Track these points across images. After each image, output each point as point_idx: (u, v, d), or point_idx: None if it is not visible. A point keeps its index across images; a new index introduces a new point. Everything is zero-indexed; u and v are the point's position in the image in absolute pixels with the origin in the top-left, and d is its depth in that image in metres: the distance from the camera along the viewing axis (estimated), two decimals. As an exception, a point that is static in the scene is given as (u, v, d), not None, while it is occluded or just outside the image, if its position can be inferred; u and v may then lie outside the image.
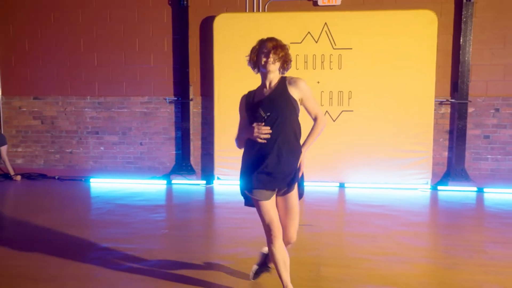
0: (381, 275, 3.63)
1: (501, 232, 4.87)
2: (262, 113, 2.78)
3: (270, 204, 2.86)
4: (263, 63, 2.80)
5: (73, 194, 6.64)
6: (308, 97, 2.83)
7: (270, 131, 2.74)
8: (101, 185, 7.26)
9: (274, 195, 2.89)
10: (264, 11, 7.22)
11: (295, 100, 2.80)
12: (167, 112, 7.56)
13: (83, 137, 7.78)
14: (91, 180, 7.37)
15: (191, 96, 7.43)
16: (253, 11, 7.24)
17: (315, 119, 2.91)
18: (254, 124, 2.78)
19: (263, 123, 2.76)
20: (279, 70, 2.86)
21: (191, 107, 7.45)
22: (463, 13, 6.76)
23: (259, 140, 2.75)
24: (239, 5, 7.28)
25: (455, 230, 4.99)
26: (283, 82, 2.83)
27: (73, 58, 7.64)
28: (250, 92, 2.99)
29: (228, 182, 7.16)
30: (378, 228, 4.99)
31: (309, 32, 6.95)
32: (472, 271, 3.72)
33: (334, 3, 7.04)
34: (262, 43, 2.87)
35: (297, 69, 6.97)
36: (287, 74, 2.96)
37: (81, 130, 7.78)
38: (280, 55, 2.78)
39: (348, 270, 3.77)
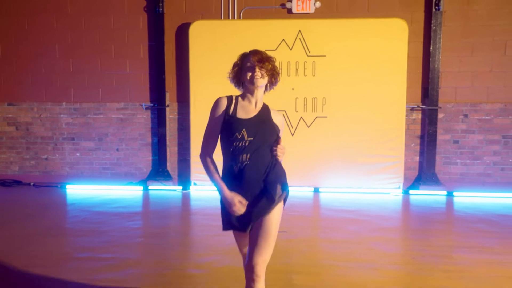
0: (350, 282, 3.75)
1: (468, 236, 5.06)
2: (245, 135, 2.50)
3: (244, 239, 2.77)
4: (249, 78, 2.51)
5: (48, 202, 6.61)
6: (282, 128, 2.70)
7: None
8: (77, 191, 7.25)
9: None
10: (240, 18, 7.31)
11: (276, 132, 2.62)
12: (144, 118, 7.59)
13: (59, 143, 7.75)
14: (67, 186, 7.35)
15: (167, 102, 7.47)
16: (228, 18, 7.32)
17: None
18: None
19: (239, 146, 2.50)
20: (267, 85, 2.60)
21: (167, 113, 7.49)
22: (432, 21, 6.97)
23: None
24: (214, 12, 7.35)
25: (424, 235, 5.17)
26: (267, 108, 2.63)
27: (48, 64, 7.60)
28: (229, 99, 2.61)
29: (204, 188, 7.23)
30: (351, 233, 5.13)
31: (283, 40, 7.06)
32: (438, 276, 3.88)
33: (308, 11, 7.17)
34: (245, 56, 2.57)
35: (272, 76, 7.06)
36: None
37: (56, 136, 7.74)
38: (268, 68, 2.51)
39: (319, 277, 3.89)
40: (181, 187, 7.31)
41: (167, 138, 7.53)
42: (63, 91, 7.63)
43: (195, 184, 7.28)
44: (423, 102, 7.22)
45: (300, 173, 7.17)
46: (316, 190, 7.18)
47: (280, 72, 7.08)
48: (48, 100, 7.68)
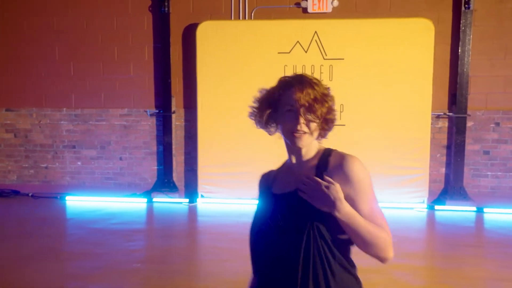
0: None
1: (503, 266, 4.47)
2: (271, 221, 1.56)
3: None
4: (287, 131, 1.56)
5: (44, 216, 6.18)
6: (361, 194, 1.51)
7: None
8: (77, 203, 6.82)
9: None
10: (251, 18, 6.79)
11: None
12: (148, 125, 7.12)
13: (59, 151, 7.33)
14: (67, 198, 6.91)
15: (173, 109, 6.99)
16: (239, 18, 6.81)
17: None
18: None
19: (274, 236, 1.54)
20: (318, 136, 1.62)
21: (173, 120, 7.01)
22: (461, 21, 6.36)
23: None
24: (224, 12, 6.84)
25: (454, 263, 4.59)
26: (324, 163, 1.57)
27: (48, 68, 7.18)
28: (266, 174, 1.82)
29: (212, 201, 6.73)
30: (370, 259, 4.57)
31: (298, 42, 6.53)
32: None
33: (324, 10, 6.62)
34: (284, 87, 1.59)
35: (286, 80, 6.54)
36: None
37: (57, 144, 7.32)
38: (320, 113, 1.54)
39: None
40: (187, 200, 6.83)
41: (173, 146, 7.05)
42: (63, 96, 7.20)
43: (202, 196, 6.79)
44: (450, 109, 6.62)
45: (315, 186, 6.62)
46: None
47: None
48: (48, 106, 7.26)
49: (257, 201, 1.73)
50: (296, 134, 1.54)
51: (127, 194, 7.03)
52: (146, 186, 7.16)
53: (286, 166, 1.72)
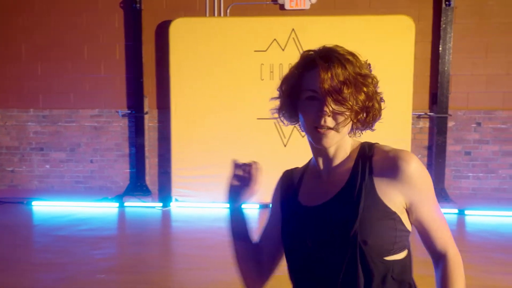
0: None
1: (488, 271, 4.29)
2: (308, 242, 1.22)
3: None
4: (308, 126, 1.21)
5: (9, 223, 5.86)
6: (425, 200, 1.21)
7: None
8: (44, 208, 6.49)
9: None
10: (226, 15, 6.55)
11: (394, 212, 1.18)
12: (120, 126, 6.83)
13: (26, 154, 6.98)
14: (34, 203, 6.58)
15: (146, 109, 6.71)
16: (214, 15, 6.56)
17: (439, 256, 1.29)
18: None
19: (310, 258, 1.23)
20: (352, 129, 1.27)
21: (146, 121, 6.73)
22: (442, 19, 6.20)
23: None
24: (198, 9, 6.59)
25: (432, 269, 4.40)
26: (364, 166, 1.23)
27: (14, 67, 6.83)
28: (289, 173, 1.46)
29: (186, 204, 6.47)
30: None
31: (275, 39, 6.30)
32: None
33: (302, 7, 6.41)
34: (305, 66, 1.22)
35: (262, 79, 6.33)
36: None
37: (23, 146, 6.98)
38: (351, 102, 1.17)
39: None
40: (161, 204, 6.55)
41: (146, 148, 6.77)
42: (30, 97, 6.86)
43: (176, 200, 6.52)
44: (431, 109, 6.46)
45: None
46: (312, 208, 6.41)
47: (271, 75, 6.38)
48: (14, 107, 6.91)
49: (271, 205, 1.45)
50: (320, 130, 1.16)
51: (97, 198, 6.72)
52: (118, 190, 6.87)
53: (314, 168, 1.34)
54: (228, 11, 6.55)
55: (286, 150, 6.38)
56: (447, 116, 6.33)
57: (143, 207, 6.54)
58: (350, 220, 1.14)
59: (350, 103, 1.15)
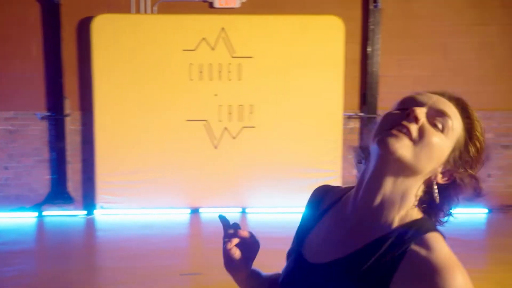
0: None
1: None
2: None
3: None
4: (380, 128, 0.95)
5: None
6: None
7: None
8: (-48, 221, 5.91)
9: None
10: (154, 12, 6.25)
11: None
12: (39, 129, 6.33)
13: None
14: None
15: (67, 111, 6.27)
16: (140, 12, 6.24)
17: None
18: None
19: None
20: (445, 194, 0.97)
21: (67, 124, 6.29)
22: (370, 20, 6.25)
23: None
24: (123, 4, 6.24)
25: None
26: (392, 249, 0.90)
27: None
28: (323, 191, 1.22)
29: (112, 212, 6.10)
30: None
31: (204, 38, 6.09)
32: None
33: (232, 5, 6.24)
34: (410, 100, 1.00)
35: (191, 80, 6.09)
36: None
37: None
38: (450, 131, 0.93)
39: None
40: (85, 212, 6.15)
41: (68, 153, 6.33)
42: None
43: (101, 207, 6.13)
44: (361, 110, 6.50)
45: (225, 192, 6.21)
46: (244, 211, 6.25)
47: (201, 76, 6.15)
48: None
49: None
50: (394, 131, 0.90)
51: (14, 208, 6.20)
52: (38, 199, 6.36)
53: (346, 202, 1.04)
54: (155, 8, 6.25)
55: (216, 152, 6.18)
56: (376, 116, 6.39)
57: (64, 216, 6.10)
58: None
59: (448, 128, 0.93)
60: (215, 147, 6.18)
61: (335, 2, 6.33)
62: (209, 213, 6.07)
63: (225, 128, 6.17)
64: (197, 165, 6.15)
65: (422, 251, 0.87)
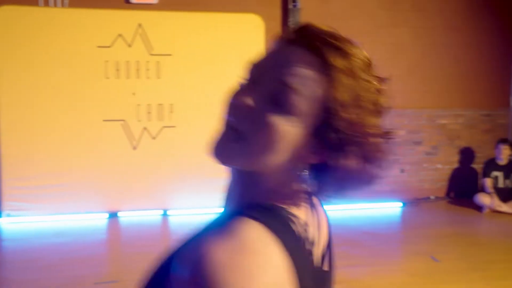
0: None
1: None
2: None
3: None
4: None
5: None
6: None
7: None
8: None
9: None
10: (65, 6, 5.89)
11: None
12: None
13: None
14: None
15: (-33, 111, 5.75)
16: (50, 5, 5.86)
17: None
18: None
19: None
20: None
21: (-33, 125, 5.77)
22: (289, 19, 6.34)
23: None
24: (30, -4, 5.83)
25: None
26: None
27: None
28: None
29: (21, 220, 5.67)
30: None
31: (120, 35, 5.84)
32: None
33: (149, 1, 6.04)
34: (281, 51, 0.78)
35: (108, 78, 5.82)
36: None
37: None
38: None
39: None
40: (-12, 220, 5.67)
41: (-31, 157, 5.80)
42: None
43: (8, 215, 5.68)
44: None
45: (145, 194, 5.99)
46: (165, 213, 6.07)
47: (117, 74, 5.89)
48: None
49: None
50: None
51: None
52: None
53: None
54: (66, 1, 5.90)
55: (136, 153, 5.95)
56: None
57: (-35, 226, 5.58)
58: None
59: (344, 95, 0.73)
60: (134, 148, 5.95)
61: (255, 1, 6.34)
62: (129, 217, 5.84)
63: (145, 128, 5.95)
64: (115, 167, 5.88)
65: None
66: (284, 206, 0.74)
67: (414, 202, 6.73)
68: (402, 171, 6.95)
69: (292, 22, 6.33)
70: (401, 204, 6.60)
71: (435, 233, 5.40)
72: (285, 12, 6.38)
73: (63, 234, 5.30)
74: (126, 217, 5.88)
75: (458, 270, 4.23)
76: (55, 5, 5.88)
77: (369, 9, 6.62)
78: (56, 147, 5.72)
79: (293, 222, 0.73)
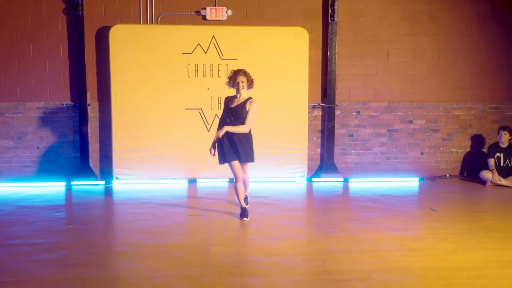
0: (259, 249, 4.52)
1: (356, 212, 6.07)
2: (228, 118, 5.47)
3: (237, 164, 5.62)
4: (236, 88, 5.45)
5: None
6: (249, 112, 5.39)
7: None
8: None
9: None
10: (157, 23, 7.84)
11: (246, 112, 5.37)
12: (65, 116, 7.85)
13: (-25, 143, 7.78)
14: (-14, 185, 7.42)
15: (88, 101, 7.81)
16: (147, 23, 7.83)
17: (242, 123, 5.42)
18: None
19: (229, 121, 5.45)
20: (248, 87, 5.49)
21: (89, 112, 7.83)
22: (328, 31, 8.00)
23: None
24: (133, 16, 7.82)
25: (322, 213, 6.12)
26: (246, 101, 5.42)
27: (-37, 64, 7.62)
28: (229, 97, 5.59)
29: (127, 182, 7.68)
30: (261, 214, 5.89)
31: (199, 44, 7.71)
32: (330, 241, 4.78)
33: (220, 18, 7.88)
34: (235, 74, 5.42)
35: (189, 77, 7.71)
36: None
37: (-28, 135, 7.77)
38: (248, 83, 5.47)
39: (233, 247, 4.63)
40: (103, 182, 7.70)
41: (89, 135, 7.87)
42: (-21, 91, 7.69)
43: (117, 178, 7.70)
44: (323, 101, 8.23)
45: (215, 166, 7.83)
46: (231, 181, 7.89)
47: (196, 73, 7.77)
48: (-36, 99, 7.70)
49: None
50: (239, 89, 5.48)
51: (45, 180, 7.69)
52: (64, 173, 7.87)
53: (234, 97, 5.68)
54: (159, 19, 7.84)
55: (209, 134, 7.80)
56: (334, 106, 8.14)
57: (88, 185, 7.63)
58: (242, 113, 5.48)
59: (246, 82, 5.38)
60: (208, 130, 7.81)
61: (301, 16, 8.05)
62: (204, 183, 7.72)
63: (216, 115, 7.81)
64: (194, 145, 7.76)
65: (250, 101, 5.40)
66: None
67: (431, 178, 8.22)
68: (422, 153, 8.45)
69: (330, 33, 8.00)
70: (418, 179, 8.10)
71: (442, 196, 6.92)
72: (326, 25, 8.05)
73: (156, 191, 7.23)
74: (202, 182, 7.76)
75: (450, 216, 5.78)
76: (151, 22, 7.84)
77: (394, 21, 8.18)
78: (151, 129, 7.67)
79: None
